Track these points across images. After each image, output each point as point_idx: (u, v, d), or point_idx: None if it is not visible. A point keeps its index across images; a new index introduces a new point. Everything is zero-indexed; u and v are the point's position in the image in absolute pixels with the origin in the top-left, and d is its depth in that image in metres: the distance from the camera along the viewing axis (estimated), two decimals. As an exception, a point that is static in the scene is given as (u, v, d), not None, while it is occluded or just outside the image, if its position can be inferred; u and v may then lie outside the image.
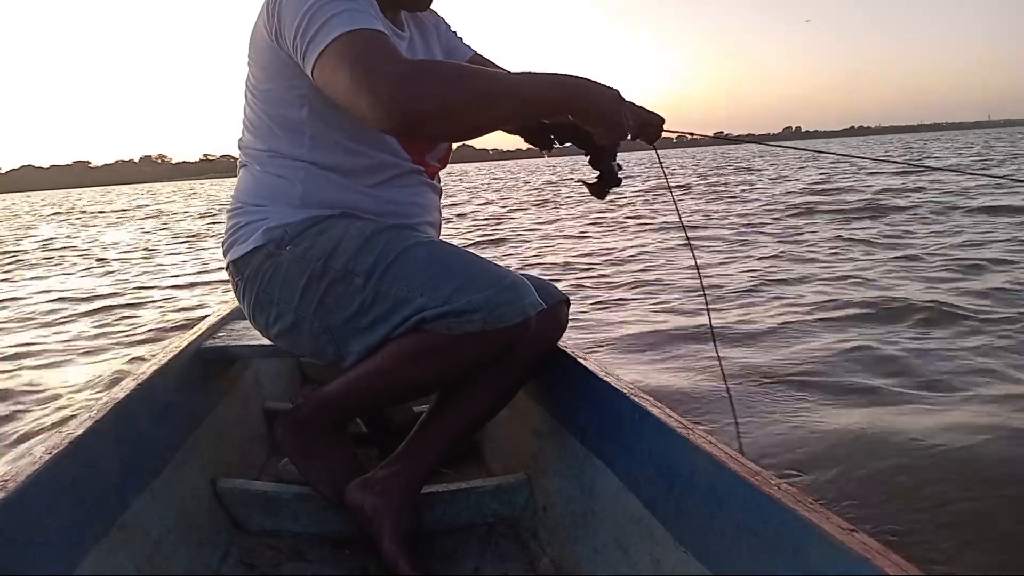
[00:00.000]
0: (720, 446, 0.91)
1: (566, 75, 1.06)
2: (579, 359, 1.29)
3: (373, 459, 1.46)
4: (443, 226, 1.38)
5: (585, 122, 1.07)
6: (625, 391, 1.13)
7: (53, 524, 0.85)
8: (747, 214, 9.15)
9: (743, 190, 13.41)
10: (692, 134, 1.34)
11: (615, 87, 1.09)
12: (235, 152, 1.29)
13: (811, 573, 0.70)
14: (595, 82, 1.07)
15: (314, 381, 2.09)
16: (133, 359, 3.50)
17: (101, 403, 1.08)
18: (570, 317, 1.36)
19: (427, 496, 1.25)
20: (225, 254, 1.24)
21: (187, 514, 1.15)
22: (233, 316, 1.70)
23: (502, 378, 1.20)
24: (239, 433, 1.53)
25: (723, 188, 14.18)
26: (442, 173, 1.35)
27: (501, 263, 1.24)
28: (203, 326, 1.58)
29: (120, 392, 1.13)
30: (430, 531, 1.26)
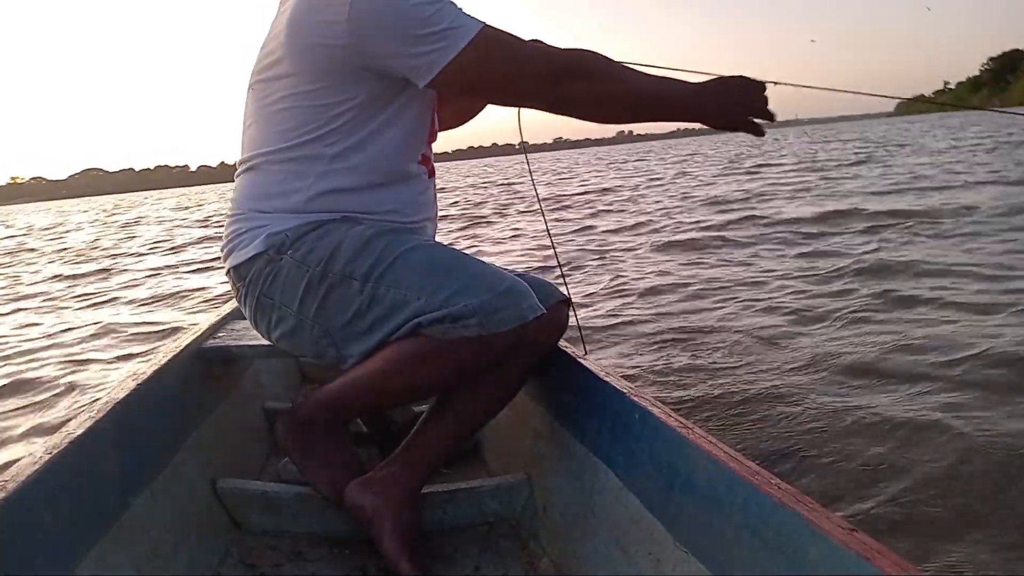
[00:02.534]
0: (720, 446, 0.91)
1: (700, 86, 1.15)
2: (579, 359, 1.29)
3: (373, 459, 1.46)
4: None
5: (714, 126, 1.18)
6: (625, 391, 1.13)
7: (53, 524, 0.85)
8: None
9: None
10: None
11: (744, 82, 1.15)
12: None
13: (811, 573, 0.70)
14: (726, 91, 1.15)
15: (314, 381, 2.09)
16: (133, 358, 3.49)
17: (101, 403, 1.08)
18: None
19: (427, 496, 1.25)
20: (225, 260, 1.24)
21: (187, 514, 1.15)
22: (233, 316, 1.70)
23: (502, 379, 1.19)
24: (239, 433, 1.53)
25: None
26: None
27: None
28: (203, 326, 1.58)
29: (120, 392, 1.13)
30: (430, 531, 1.26)
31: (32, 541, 0.82)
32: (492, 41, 1.08)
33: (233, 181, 1.27)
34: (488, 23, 1.08)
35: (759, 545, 0.78)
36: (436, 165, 1.34)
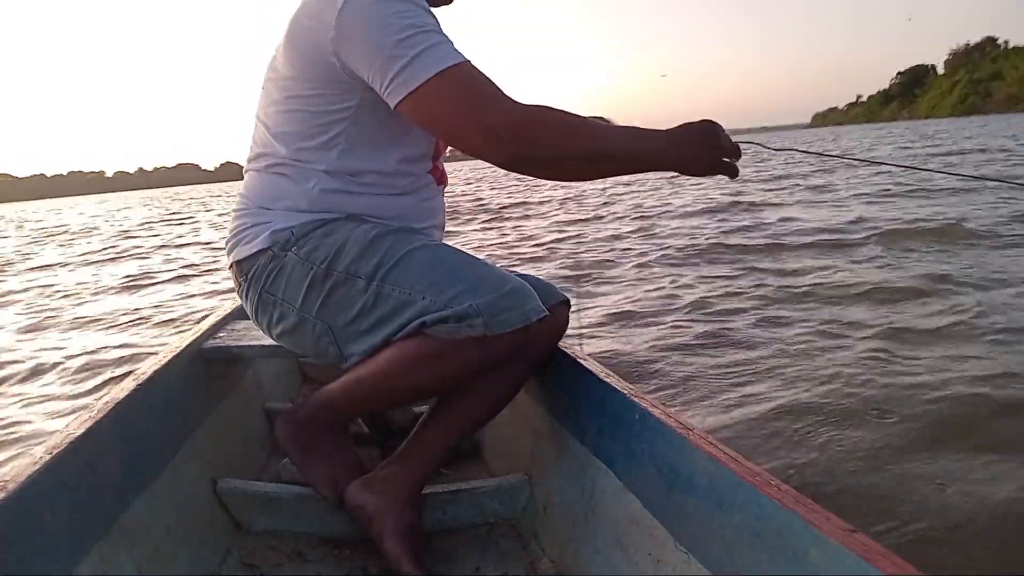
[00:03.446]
0: (720, 446, 0.91)
1: (666, 135, 1.10)
2: (579, 359, 1.29)
3: (374, 460, 1.46)
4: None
5: (686, 174, 1.15)
6: (625, 391, 1.13)
7: (53, 524, 0.85)
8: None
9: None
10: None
11: (708, 126, 1.11)
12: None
13: (811, 574, 0.70)
14: (692, 138, 1.10)
15: (314, 381, 2.09)
16: (133, 359, 3.48)
17: (101, 403, 1.08)
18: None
19: (428, 496, 1.25)
20: (228, 254, 1.24)
21: (187, 514, 1.15)
22: (234, 316, 1.70)
23: (502, 379, 1.19)
24: (239, 433, 1.53)
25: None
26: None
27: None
28: (204, 326, 1.58)
29: (120, 392, 1.13)
30: (431, 531, 1.26)
31: (32, 541, 0.82)
32: (459, 80, 1.02)
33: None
34: (469, 61, 1.04)
35: (759, 546, 0.78)
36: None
